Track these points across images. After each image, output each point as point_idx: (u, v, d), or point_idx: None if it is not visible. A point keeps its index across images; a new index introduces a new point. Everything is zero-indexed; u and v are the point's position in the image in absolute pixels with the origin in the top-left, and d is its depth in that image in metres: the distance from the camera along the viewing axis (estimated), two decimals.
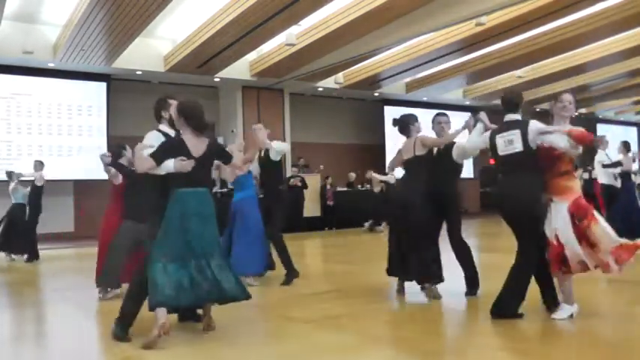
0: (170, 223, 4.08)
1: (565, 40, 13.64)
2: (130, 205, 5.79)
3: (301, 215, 14.28)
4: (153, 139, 4.31)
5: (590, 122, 25.33)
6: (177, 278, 3.97)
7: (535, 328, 4.31)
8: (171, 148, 4.22)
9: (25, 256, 9.75)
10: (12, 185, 10.01)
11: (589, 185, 12.66)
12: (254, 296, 5.83)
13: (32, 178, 9.83)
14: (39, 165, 9.93)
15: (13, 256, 9.82)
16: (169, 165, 4.12)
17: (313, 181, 14.91)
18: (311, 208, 14.62)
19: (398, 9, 10.63)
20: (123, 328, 4.11)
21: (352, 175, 16.57)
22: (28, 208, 9.79)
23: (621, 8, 11.98)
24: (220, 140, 16.36)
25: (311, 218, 14.71)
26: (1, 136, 13.43)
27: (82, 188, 14.28)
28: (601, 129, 25.85)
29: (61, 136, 14.05)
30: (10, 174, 10.18)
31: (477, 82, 18.12)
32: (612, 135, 26.35)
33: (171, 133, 4.43)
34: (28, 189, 9.90)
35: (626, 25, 12.90)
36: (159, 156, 4.12)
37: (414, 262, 5.26)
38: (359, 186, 16.45)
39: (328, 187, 15.32)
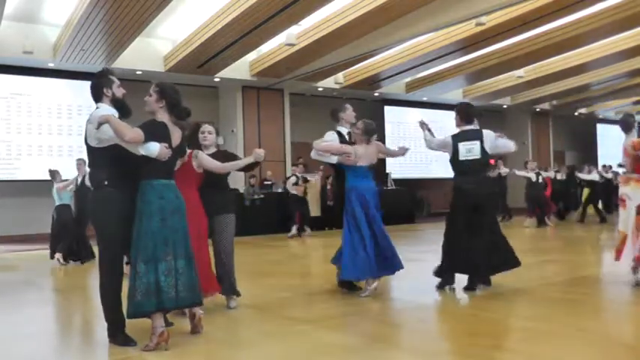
0: (150, 218, 3.84)
1: (565, 40, 13.65)
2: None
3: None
4: (109, 112, 3.98)
5: (590, 122, 25.36)
6: (147, 281, 3.78)
7: (535, 328, 4.31)
8: (156, 131, 3.91)
9: (73, 262, 9.18)
10: (55, 185, 9.42)
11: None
12: (255, 296, 5.85)
13: (73, 180, 9.26)
14: (84, 164, 9.05)
15: (62, 261, 9.11)
16: (153, 148, 3.83)
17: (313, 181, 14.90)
18: (311, 208, 14.60)
19: (398, 9, 10.64)
20: (118, 333, 4.01)
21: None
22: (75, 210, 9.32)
23: (621, 8, 12.00)
24: (220, 140, 16.38)
25: (311, 218, 14.70)
26: (1, 136, 13.44)
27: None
28: (601, 129, 25.87)
29: (61, 136, 14.06)
30: (53, 173, 9.52)
31: (477, 82, 18.11)
32: (612, 135, 26.49)
33: (116, 113, 4.03)
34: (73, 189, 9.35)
35: (626, 25, 12.91)
36: (145, 134, 3.82)
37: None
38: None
39: (328, 187, 15.30)
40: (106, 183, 3.99)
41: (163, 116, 4.03)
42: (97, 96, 4.13)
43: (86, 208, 8.38)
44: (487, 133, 5.62)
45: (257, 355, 3.86)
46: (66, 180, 9.47)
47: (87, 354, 4.13)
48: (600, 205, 15.29)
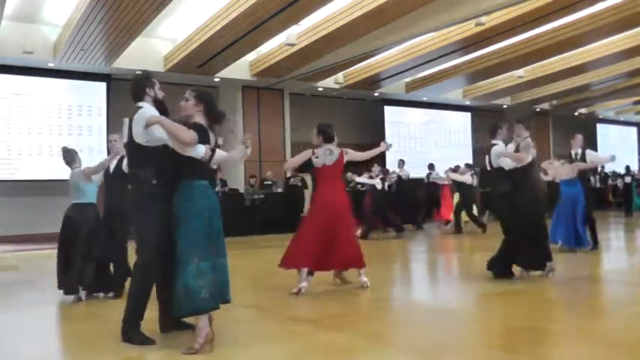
0: (198, 217, 3.88)
1: (565, 40, 13.65)
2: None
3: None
4: (154, 111, 4.06)
5: (590, 122, 25.37)
6: (210, 278, 3.83)
7: (535, 328, 4.31)
8: (200, 133, 3.96)
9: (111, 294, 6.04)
10: (78, 170, 5.95)
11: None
12: (255, 296, 5.86)
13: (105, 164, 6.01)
14: (120, 140, 5.80)
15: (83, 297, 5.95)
16: (200, 149, 3.92)
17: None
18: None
19: (398, 9, 10.63)
20: (136, 328, 4.01)
21: (349, 175, 16.51)
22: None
23: (621, 8, 12.00)
24: (220, 141, 16.36)
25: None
26: (1, 136, 13.43)
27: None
28: (601, 129, 25.87)
29: (61, 136, 14.04)
30: (69, 153, 6.02)
31: (477, 82, 18.11)
32: (612, 135, 26.50)
33: (156, 112, 4.10)
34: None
35: (626, 25, 12.91)
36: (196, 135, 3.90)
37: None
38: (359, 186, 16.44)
39: None
40: (154, 182, 3.99)
41: (200, 119, 4.10)
42: (139, 95, 4.19)
43: (123, 208, 5.30)
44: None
45: (257, 355, 3.86)
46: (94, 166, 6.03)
47: (87, 354, 4.12)
48: (475, 211, 13.27)
